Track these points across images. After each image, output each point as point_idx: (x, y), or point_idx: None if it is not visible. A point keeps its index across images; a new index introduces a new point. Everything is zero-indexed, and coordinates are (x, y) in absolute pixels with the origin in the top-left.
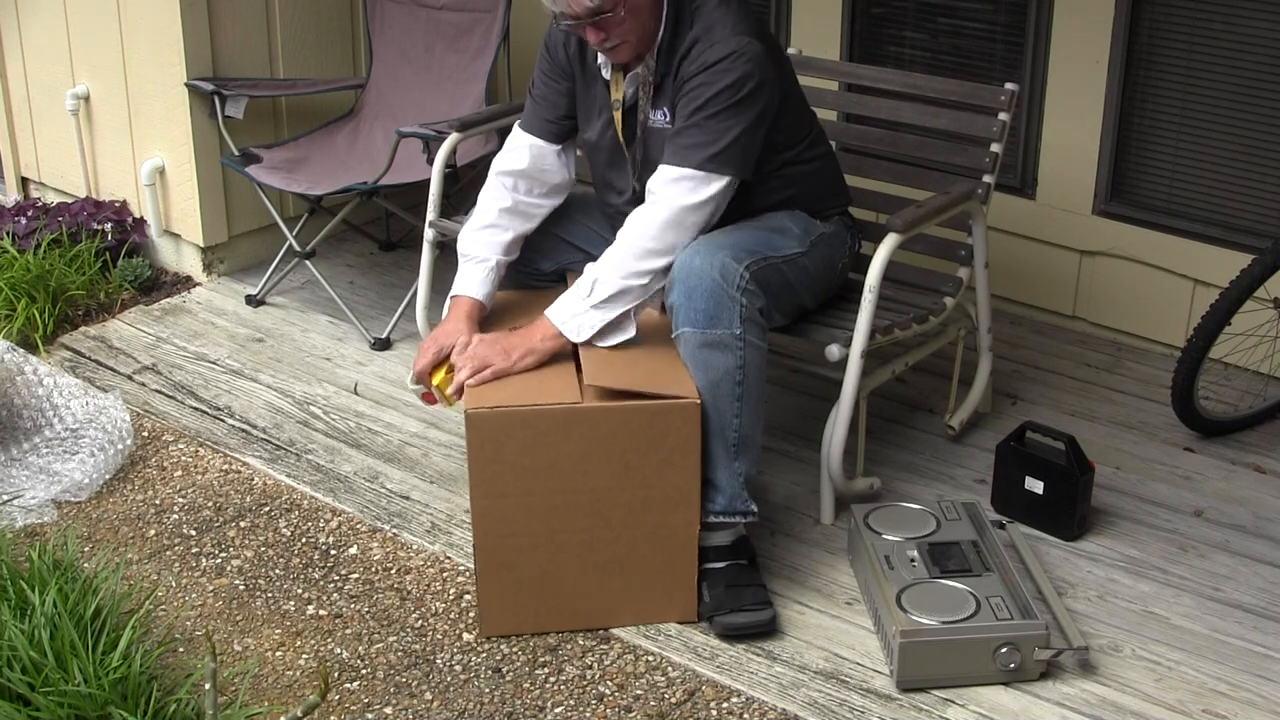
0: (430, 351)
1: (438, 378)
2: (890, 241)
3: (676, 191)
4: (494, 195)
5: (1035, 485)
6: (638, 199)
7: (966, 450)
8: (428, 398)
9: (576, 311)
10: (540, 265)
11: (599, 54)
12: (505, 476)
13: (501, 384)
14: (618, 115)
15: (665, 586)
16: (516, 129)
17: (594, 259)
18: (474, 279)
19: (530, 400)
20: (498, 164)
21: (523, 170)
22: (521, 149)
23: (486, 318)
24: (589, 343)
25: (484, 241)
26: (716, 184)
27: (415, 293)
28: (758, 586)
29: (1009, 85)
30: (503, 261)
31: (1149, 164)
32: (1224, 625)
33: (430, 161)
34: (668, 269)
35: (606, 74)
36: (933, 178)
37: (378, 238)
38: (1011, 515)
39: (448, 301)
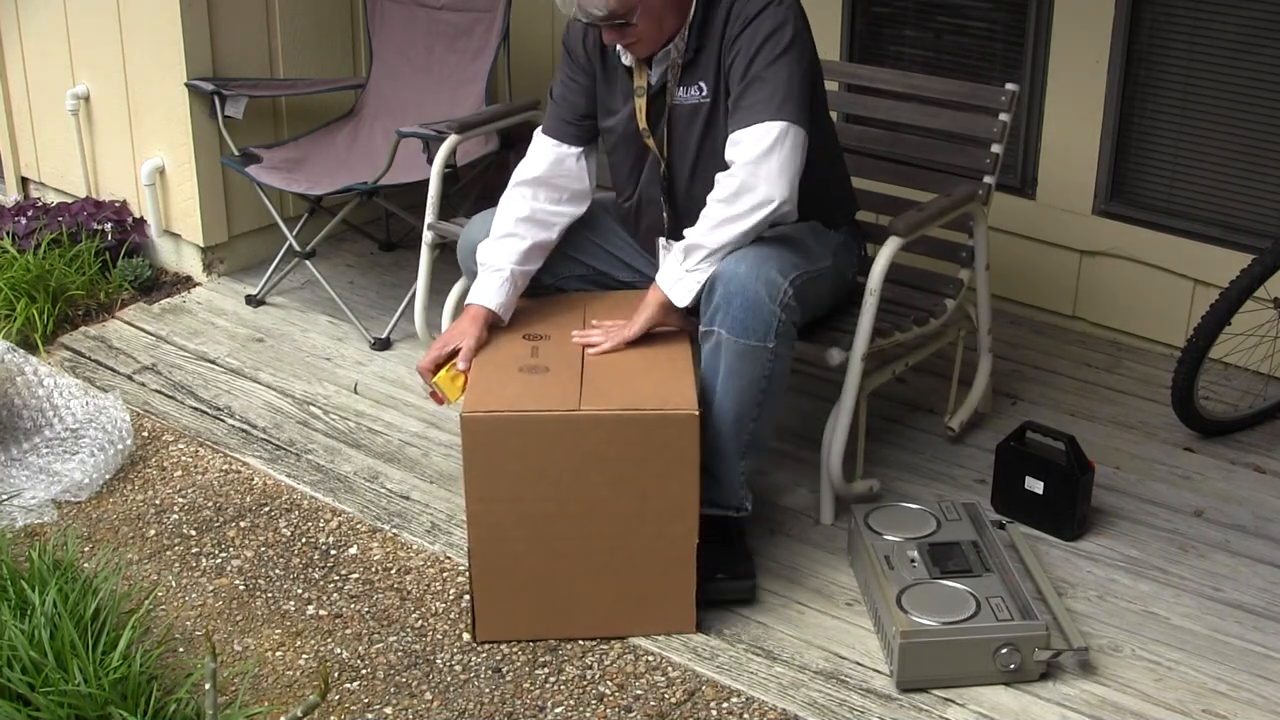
0: (435, 350)
1: (439, 376)
2: (892, 244)
3: (751, 143)
4: (512, 205)
5: (1035, 485)
6: (667, 185)
7: (966, 450)
8: (435, 396)
9: (678, 277)
10: (540, 278)
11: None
12: (500, 481)
13: (500, 388)
14: (640, 102)
15: (662, 599)
16: (537, 134)
17: (594, 273)
18: (488, 288)
19: (526, 406)
20: (518, 173)
21: (541, 177)
22: (541, 155)
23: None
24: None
25: (501, 251)
26: (782, 125)
27: (414, 294)
28: (744, 556)
29: (1009, 85)
30: (519, 271)
31: (1149, 164)
32: (1224, 625)
33: (431, 161)
34: (764, 221)
35: (627, 61)
36: (933, 178)
37: (378, 238)
38: (1011, 515)
39: (447, 304)
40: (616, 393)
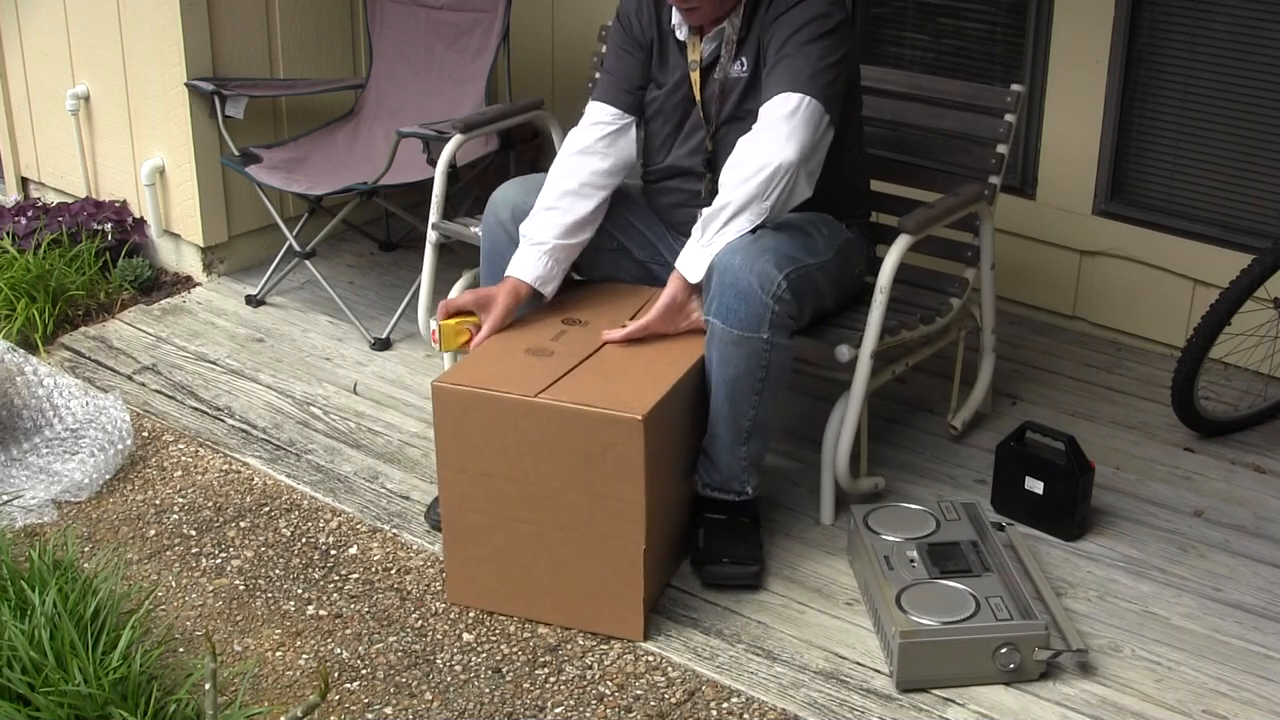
0: (464, 298)
1: (449, 321)
2: (902, 242)
3: (770, 110)
4: (561, 177)
5: (1035, 485)
6: (707, 155)
7: (966, 450)
8: (435, 337)
9: (693, 254)
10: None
11: (673, 14)
12: (467, 454)
13: (487, 365)
14: (695, 75)
15: (611, 600)
16: (592, 104)
17: (617, 245)
18: (525, 261)
19: (492, 386)
20: (571, 143)
21: (593, 146)
22: (596, 122)
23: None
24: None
25: (543, 224)
26: (800, 97)
27: (415, 293)
28: (753, 544)
29: (1015, 87)
30: (560, 245)
31: (1149, 164)
32: (1224, 625)
33: (430, 162)
34: (773, 183)
35: (681, 35)
36: (938, 179)
37: (378, 238)
38: (1011, 515)
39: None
40: (588, 388)
